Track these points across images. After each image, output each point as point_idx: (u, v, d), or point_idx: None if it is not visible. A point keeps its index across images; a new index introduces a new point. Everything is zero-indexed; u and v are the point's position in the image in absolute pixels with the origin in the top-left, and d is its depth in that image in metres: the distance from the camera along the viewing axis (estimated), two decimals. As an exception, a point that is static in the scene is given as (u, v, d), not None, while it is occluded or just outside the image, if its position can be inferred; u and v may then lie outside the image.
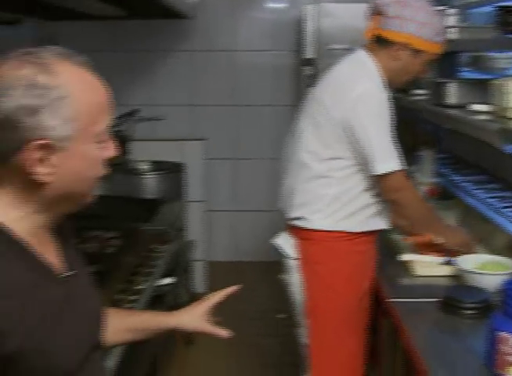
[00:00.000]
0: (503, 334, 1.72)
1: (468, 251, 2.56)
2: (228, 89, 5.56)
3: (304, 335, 2.65)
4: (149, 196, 4.06)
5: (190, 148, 5.04)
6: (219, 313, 1.96)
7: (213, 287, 5.07)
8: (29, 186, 1.21)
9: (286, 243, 2.68)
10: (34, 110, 1.15)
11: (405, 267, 2.63)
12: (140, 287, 2.68)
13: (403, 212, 2.60)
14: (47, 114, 1.16)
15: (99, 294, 1.49)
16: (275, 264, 5.50)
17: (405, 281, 2.57)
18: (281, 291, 4.24)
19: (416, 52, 2.51)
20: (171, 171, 4.38)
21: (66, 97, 1.18)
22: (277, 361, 4.08)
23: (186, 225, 4.33)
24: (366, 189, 2.55)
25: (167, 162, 4.52)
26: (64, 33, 5.35)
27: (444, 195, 3.36)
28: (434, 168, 3.51)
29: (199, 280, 4.87)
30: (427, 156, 3.48)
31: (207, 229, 5.28)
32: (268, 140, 5.61)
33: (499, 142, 2.13)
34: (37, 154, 1.17)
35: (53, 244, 1.34)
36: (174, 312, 1.82)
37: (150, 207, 3.65)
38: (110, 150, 1.30)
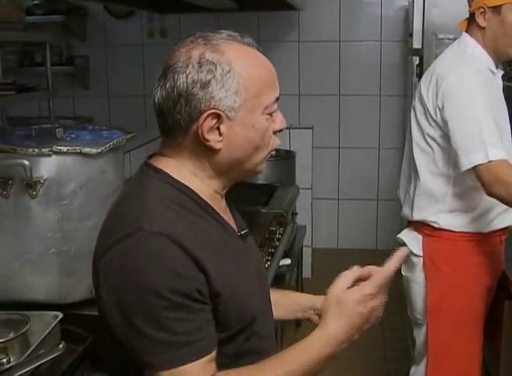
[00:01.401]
0: None
1: None
2: (335, 79, 5.66)
3: (423, 333, 2.58)
4: (262, 181, 4.20)
5: (299, 136, 5.16)
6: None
7: (316, 274, 5.22)
8: (204, 153, 1.36)
9: (410, 239, 2.58)
10: (204, 84, 1.31)
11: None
12: (265, 265, 2.82)
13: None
14: (216, 87, 1.32)
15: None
16: (376, 252, 5.61)
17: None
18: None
19: (495, 9, 2.36)
20: (283, 158, 4.52)
21: (232, 72, 1.32)
22: (381, 345, 4.17)
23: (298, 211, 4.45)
24: None
25: (277, 149, 4.62)
26: (174, 26, 5.56)
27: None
28: None
29: (306, 266, 4.99)
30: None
31: (312, 217, 5.39)
32: (373, 130, 5.69)
33: None
34: (210, 123, 1.32)
35: (226, 208, 1.50)
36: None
37: (266, 191, 3.79)
38: (278, 123, 1.43)
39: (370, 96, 5.64)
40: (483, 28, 2.39)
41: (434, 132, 2.41)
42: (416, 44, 4.81)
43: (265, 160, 1.45)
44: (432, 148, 2.44)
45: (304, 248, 4.73)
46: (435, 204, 2.47)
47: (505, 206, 2.35)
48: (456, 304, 2.46)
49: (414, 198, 2.54)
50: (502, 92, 2.50)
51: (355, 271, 1.47)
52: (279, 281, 3.26)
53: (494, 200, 2.32)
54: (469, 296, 2.47)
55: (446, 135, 2.36)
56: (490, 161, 2.24)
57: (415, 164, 2.51)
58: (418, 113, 2.47)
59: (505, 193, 2.24)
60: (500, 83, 2.50)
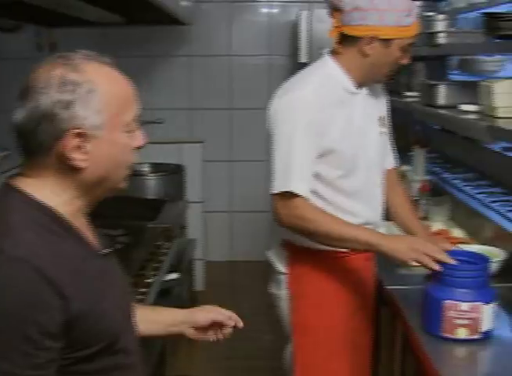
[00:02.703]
0: (450, 302, 1.97)
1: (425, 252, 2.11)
2: (225, 93, 5.71)
3: (289, 350, 2.54)
4: (151, 196, 4.20)
5: (189, 150, 5.19)
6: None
7: (210, 286, 5.25)
8: (69, 172, 1.37)
9: (277, 257, 2.53)
10: (67, 104, 1.32)
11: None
12: (149, 280, 2.82)
13: (313, 239, 2.32)
14: (79, 106, 1.32)
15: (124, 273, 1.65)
16: (269, 263, 5.67)
17: (402, 271, 2.63)
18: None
19: (386, 41, 2.26)
20: (172, 172, 4.52)
21: (94, 91, 1.34)
22: (273, 355, 4.23)
23: (187, 224, 4.47)
24: (345, 206, 2.38)
25: (167, 164, 4.67)
26: (63, 39, 5.48)
27: (435, 192, 3.50)
28: (425, 166, 3.66)
29: (198, 279, 5.02)
30: (419, 155, 3.62)
31: (205, 230, 5.43)
32: (263, 143, 5.75)
33: (488, 139, 2.29)
34: (74, 142, 1.33)
35: (88, 227, 1.51)
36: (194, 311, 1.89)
37: (154, 206, 3.79)
38: (139, 139, 1.46)
39: (261, 110, 5.68)
40: (365, 55, 2.29)
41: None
42: (304, 58, 4.94)
43: (126, 176, 1.47)
44: None
45: (196, 262, 4.76)
46: None
47: (371, 225, 2.41)
48: (320, 321, 2.42)
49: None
50: (365, 112, 2.42)
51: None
52: (166, 296, 3.26)
53: (359, 219, 2.37)
54: (333, 313, 2.44)
55: None
56: (295, 194, 2.23)
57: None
58: None
59: (299, 228, 2.27)
60: (362, 103, 2.41)
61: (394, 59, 2.33)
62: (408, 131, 4.50)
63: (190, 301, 4.35)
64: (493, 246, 2.67)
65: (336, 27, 2.31)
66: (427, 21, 3.76)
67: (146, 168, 4.66)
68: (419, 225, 2.60)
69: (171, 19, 4.61)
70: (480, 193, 3.22)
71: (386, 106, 2.60)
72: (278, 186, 2.26)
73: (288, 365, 2.59)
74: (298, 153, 2.25)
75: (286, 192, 2.24)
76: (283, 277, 2.49)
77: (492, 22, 2.56)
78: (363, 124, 2.41)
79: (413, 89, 3.73)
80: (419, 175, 3.57)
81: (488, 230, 2.81)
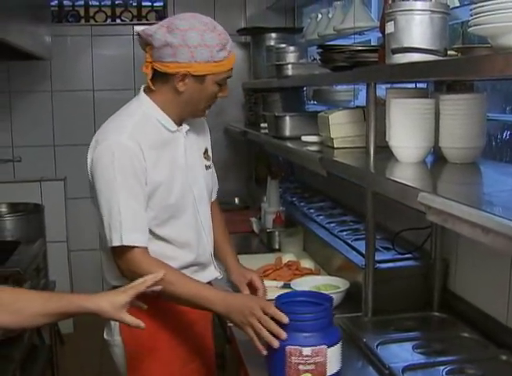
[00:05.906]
0: (293, 348, 1.88)
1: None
2: (89, 128, 5.57)
3: None
4: (7, 238, 4.06)
5: (50, 188, 5.05)
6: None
7: (79, 327, 5.08)
8: None
9: None
10: None
11: (249, 292, 2.72)
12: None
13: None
14: None
15: None
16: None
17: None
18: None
19: (199, 77, 2.20)
20: (29, 212, 4.39)
21: None
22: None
23: (46, 265, 4.32)
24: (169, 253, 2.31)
25: (25, 203, 4.53)
26: None
27: (289, 222, 3.50)
28: (279, 197, 3.66)
29: (66, 321, 4.84)
30: (273, 186, 3.62)
31: (70, 270, 5.28)
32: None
33: (321, 171, 2.30)
34: None
35: None
36: (94, 296, 1.85)
37: (5, 249, 3.64)
38: None
39: (126, 144, 5.62)
40: (179, 92, 2.22)
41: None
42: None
43: None
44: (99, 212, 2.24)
45: (60, 303, 4.58)
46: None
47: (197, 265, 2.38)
48: (155, 365, 2.34)
49: (103, 262, 2.40)
50: (188, 149, 2.37)
51: None
52: (17, 343, 3.14)
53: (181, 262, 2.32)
54: (169, 359, 2.36)
55: None
56: (125, 246, 2.13)
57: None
58: None
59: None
60: (184, 140, 2.35)
61: (211, 94, 2.27)
62: (269, 162, 4.54)
63: (56, 343, 4.20)
64: (339, 276, 2.69)
65: (148, 62, 2.22)
66: (277, 53, 3.81)
67: (2, 209, 4.50)
68: (234, 266, 2.59)
69: (26, 55, 4.50)
70: (331, 223, 3.25)
71: (209, 138, 2.56)
72: (113, 241, 2.13)
73: None
74: (125, 202, 2.14)
75: (122, 246, 2.13)
76: (114, 323, 2.34)
77: (326, 54, 2.60)
78: (188, 161, 2.37)
79: (266, 121, 3.74)
80: (273, 206, 3.57)
81: (335, 260, 2.82)
